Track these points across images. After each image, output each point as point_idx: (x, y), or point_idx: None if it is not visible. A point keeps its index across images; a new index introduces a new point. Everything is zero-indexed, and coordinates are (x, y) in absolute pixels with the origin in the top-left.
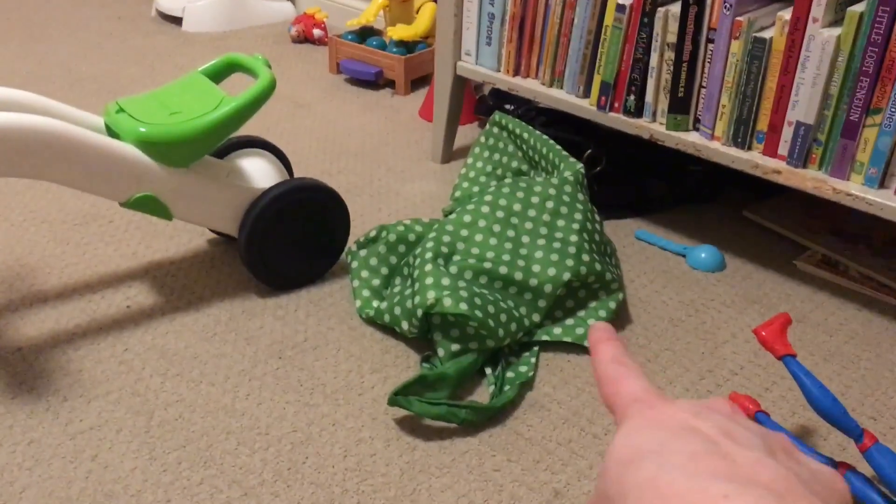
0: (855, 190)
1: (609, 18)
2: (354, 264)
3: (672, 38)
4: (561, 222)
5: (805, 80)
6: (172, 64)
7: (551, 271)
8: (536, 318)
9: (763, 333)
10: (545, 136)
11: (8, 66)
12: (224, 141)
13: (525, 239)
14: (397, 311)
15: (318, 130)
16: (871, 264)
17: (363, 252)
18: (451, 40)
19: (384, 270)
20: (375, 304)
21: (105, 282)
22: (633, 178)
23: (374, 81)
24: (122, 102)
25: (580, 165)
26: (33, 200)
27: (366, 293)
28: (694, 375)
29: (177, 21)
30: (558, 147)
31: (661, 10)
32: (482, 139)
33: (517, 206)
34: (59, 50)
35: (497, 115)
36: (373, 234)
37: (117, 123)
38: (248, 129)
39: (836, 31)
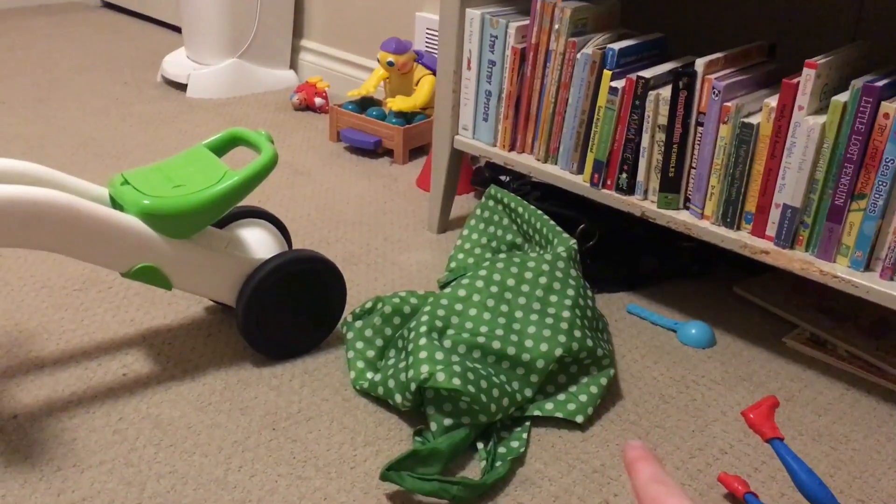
0: (841, 272)
1: (602, 100)
2: (350, 335)
3: (663, 120)
4: (554, 298)
5: (791, 164)
6: (176, 129)
7: (544, 347)
8: (528, 393)
9: (751, 416)
10: (539, 211)
11: (14, 129)
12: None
13: (518, 314)
14: (391, 383)
15: (317, 198)
16: (858, 344)
17: (359, 323)
18: (449, 115)
19: (379, 342)
20: (370, 375)
21: (102, 348)
22: (625, 253)
23: (374, 150)
24: (127, 175)
25: (573, 241)
26: (34, 265)
27: (360, 364)
28: (684, 454)
29: (181, 87)
30: (552, 222)
31: (652, 93)
32: (478, 212)
33: (511, 282)
34: (64, 113)
35: (493, 189)
36: (368, 305)
37: (121, 195)
38: (248, 196)
39: (822, 118)
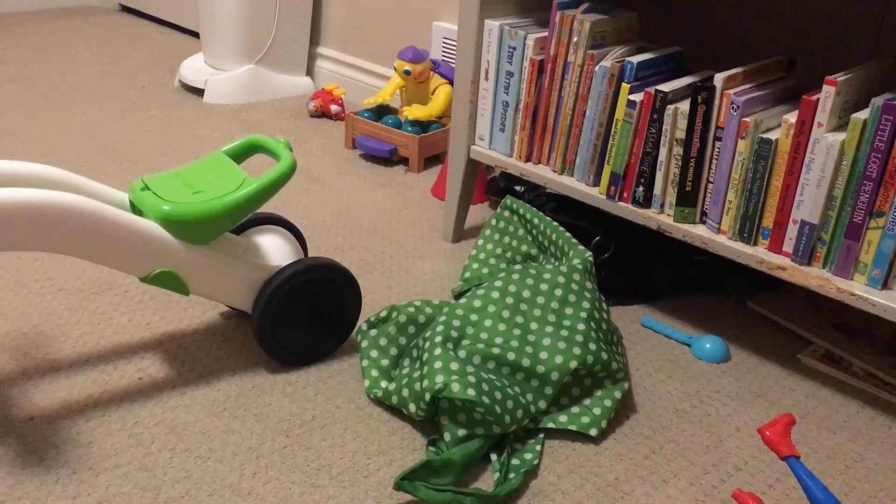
0: (858, 290)
1: (620, 113)
2: (364, 343)
3: (681, 134)
4: (569, 310)
5: (810, 181)
6: (193, 134)
7: (559, 359)
8: (542, 405)
9: (767, 433)
10: (555, 223)
11: (34, 132)
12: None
13: (533, 326)
14: (405, 393)
15: (332, 205)
16: (874, 361)
17: (373, 332)
18: (465, 125)
19: (393, 351)
20: (384, 384)
21: (118, 352)
22: (639, 266)
23: (389, 158)
24: (147, 180)
25: (589, 253)
26: (51, 268)
27: (374, 373)
28: (698, 469)
29: (198, 92)
30: (567, 234)
31: (670, 107)
32: (493, 222)
33: (526, 293)
34: (83, 118)
35: (508, 200)
36: (383, 314)
37: (141, 200)
38: (264, 203)
39: (841, 136)
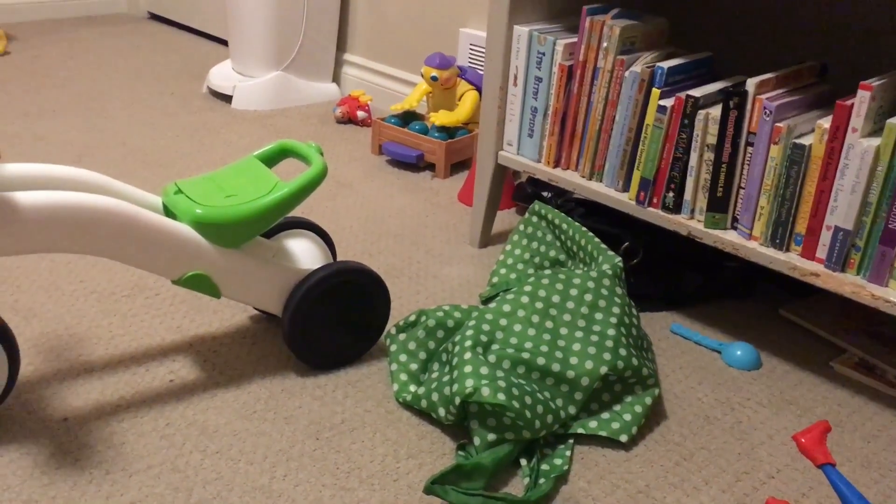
0: (894, 297)
1: (650, 118)
2: (393, 348)
3: (712, 139)
4: (599, 315)
5: (844, 186)
6: (221, 140)
7: (588, 364)
8: (572, 410)
9: (803, 441)
10: (584, 228)
11: (66, 137)
12: None
13: (563, 331)
14: (435, 397)
15: (359, 210)
16: None
17: (402, 336)
18: (493, 130)
19: (422, 355)
20: (412, 388)
21: (150, 354)
22: (668, 272)
23: (416, 164)
24: (181, 184)
25: (618, 259)
26: (83, 270)
27: (403, 377)
28: (730, 477)
29: (227, 99)
30: (597, 239)
31: (701, 112)
32: (521, 227)
33: (556, 298)
34: (114, 123)
35: (537, 205)
36: (412, 318)
37: (175, 204)
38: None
39: (876, 141)
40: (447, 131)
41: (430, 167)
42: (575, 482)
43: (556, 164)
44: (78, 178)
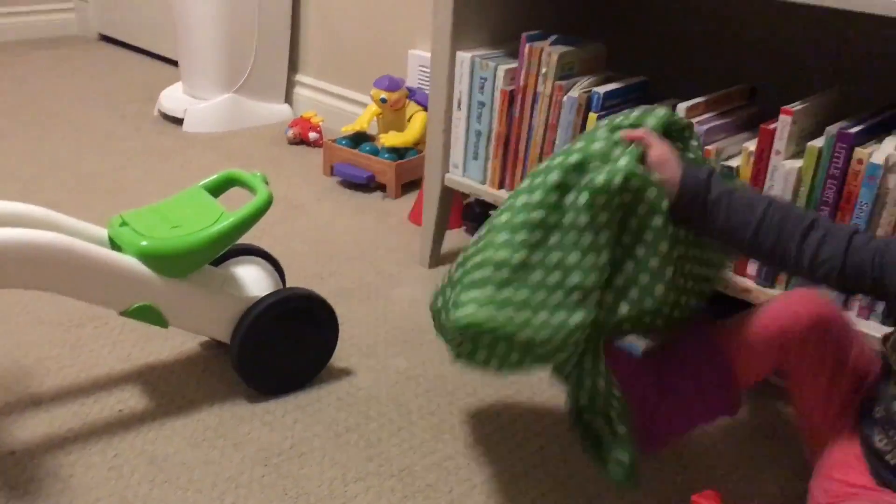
0: None
1: None
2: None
3: None
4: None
5: None
6: (173, 163)
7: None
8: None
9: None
10: None
11: (13, 164)
12: None
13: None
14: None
15: (311, 232)
16: None
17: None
18: (440, 153)
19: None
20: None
21: (99, 384)
22: None
23: (367, 185)
24: (126, 216)
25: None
26: (31, 301)
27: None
28: None
29: (178, 122)
30: None
31: None
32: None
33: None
34: (62, 148)
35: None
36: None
37: (120, 237)
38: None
39: (798, 163)
40: (397, 152)
41: (382, 188)
42: None
43: (501, 186)
44: (21, 213)
